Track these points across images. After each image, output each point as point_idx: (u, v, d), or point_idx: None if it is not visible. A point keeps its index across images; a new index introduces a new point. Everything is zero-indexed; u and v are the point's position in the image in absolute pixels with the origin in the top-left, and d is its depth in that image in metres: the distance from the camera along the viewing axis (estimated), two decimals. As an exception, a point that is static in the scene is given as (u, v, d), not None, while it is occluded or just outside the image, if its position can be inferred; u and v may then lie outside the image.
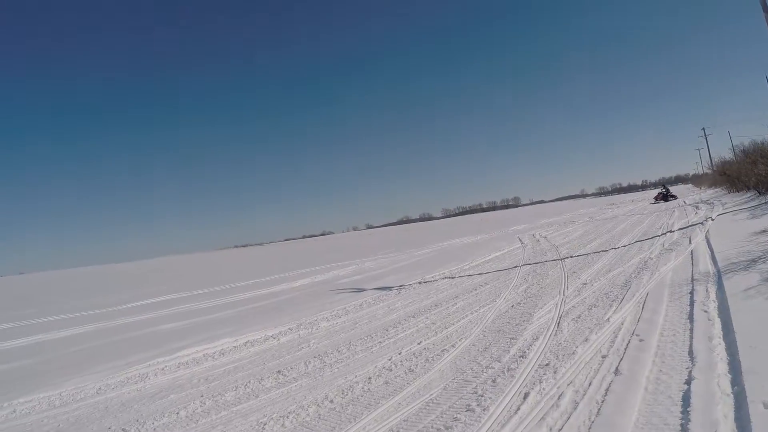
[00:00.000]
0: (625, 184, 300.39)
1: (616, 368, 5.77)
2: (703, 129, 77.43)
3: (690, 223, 22.30)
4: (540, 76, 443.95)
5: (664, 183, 65.75)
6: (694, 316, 7.40)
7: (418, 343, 8.32)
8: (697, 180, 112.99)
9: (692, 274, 10.52)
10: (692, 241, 15.45)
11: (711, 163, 72.70)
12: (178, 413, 6.51)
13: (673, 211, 34.60)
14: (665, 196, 58.24)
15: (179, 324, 14.00)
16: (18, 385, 9.05)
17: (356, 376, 7.01)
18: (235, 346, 10.29)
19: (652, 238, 19.12)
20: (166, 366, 9.34)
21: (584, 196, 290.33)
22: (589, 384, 5.43)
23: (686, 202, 47.39)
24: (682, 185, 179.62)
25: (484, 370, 6.44)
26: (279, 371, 7.82)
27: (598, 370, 5.85)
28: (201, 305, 18.00)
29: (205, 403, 6.77)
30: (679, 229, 20.44)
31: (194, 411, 6.55)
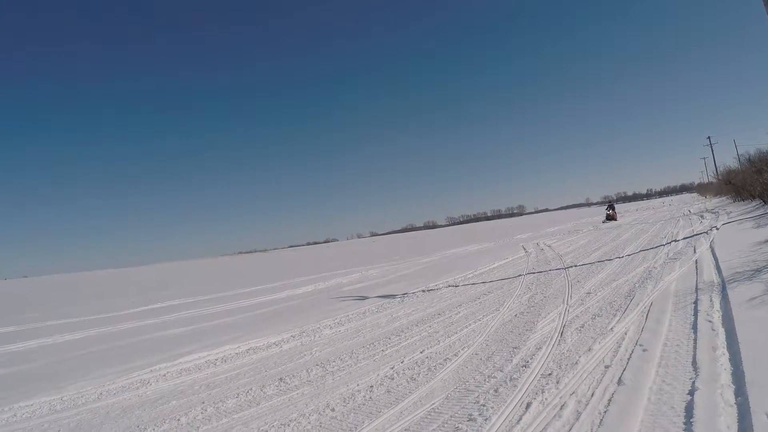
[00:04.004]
0: (630, 193, 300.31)
1: (619, 378, 5.74)
2: (709, 138, 76.95)
3: (695, 233, 22.23)
4: (545, 84, 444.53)
5: (610, 200, 62.35)
6: (698, 326, 7.37)
7: (421, 352, 8.29)
8: (702, 189, 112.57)
9: (696, 284, 10.48)
10: (697, 251, 15.39)
11: (716, 172, 72.32)
12: (179, 420, 6.50)
13: (678, 220, 34.52)
14: (609, 215, 52.19)
15: (182, 330, 14.02)
16: (20, 388, 9.07)
17: (358, 385, 6.99)
18: (237, 353, 10.29)
19: (656, 247, 19.07)
20: (168, 372, 9.34)
21: (589, 204, 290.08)
22: (592, 394, 5.40)
23: (691, 211, 47.30)
24: (688, 194, 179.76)
25: (487, 380, 6.41)
26: (281, 379, 7.80)
27: (601, 380, 5.83)
28: (204, 311, 18.04)
29: (206, 410, 6.75)
30: (684, 239, 20.39)
31: (195, 417, 6.54)
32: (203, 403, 7.10)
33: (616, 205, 57.72)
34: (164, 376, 9.13)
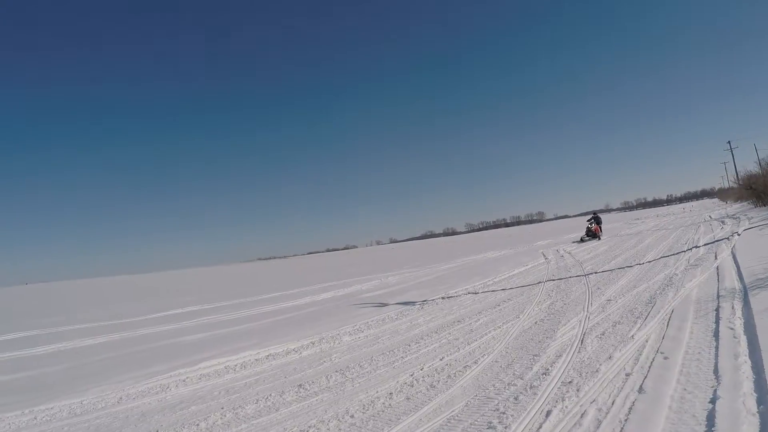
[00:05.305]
0: (650, 199, 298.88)
1: (640, 386, 5.71)
2: (729, 142, 76.18)
3: (716, 239, 22.09)
4: (564, 89, 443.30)
5: (594, 212, 44.47)
6: (719, 334, 7.32)
7: (441, 359, 8.28)
8: (722, 194, 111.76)
9: (718, 291, 10.41)
10: (718, 257, 15.29)
11: (737, 176, 71.60)
12: (198, 425, 6.52)
13: (699, 226, 34.30)
14: (590, 230, 40.08)
15: (201, 336, 14.06)
16: (40, 392, 9.15)
17: (378, 392, 6.99)
18: (256, 359, 10.31)
19: (677, 253, 18.95)
20: (187, 377, 9.37)
21: (609, 210, 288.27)
22: (613, 402, 5.38)
23: (711, 216, 46.97)
24: (708, 200, 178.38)
25: (507, 387, 6.39)
26: (300, 385, 7.81)
27: (622, 388, 5.80)
28: (223, 317, 18.08)
29: (225, 416, 6.78)
30: (705, 245, 20.26)
31: (214, 423, 6.56)
32: (222, 408, 7.13)
33: (602, 217, 43.61)
34: (184, 381, 9.17)
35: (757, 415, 4.58)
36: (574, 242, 37.80)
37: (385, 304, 16.04)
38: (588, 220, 41.97)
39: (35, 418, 7.74)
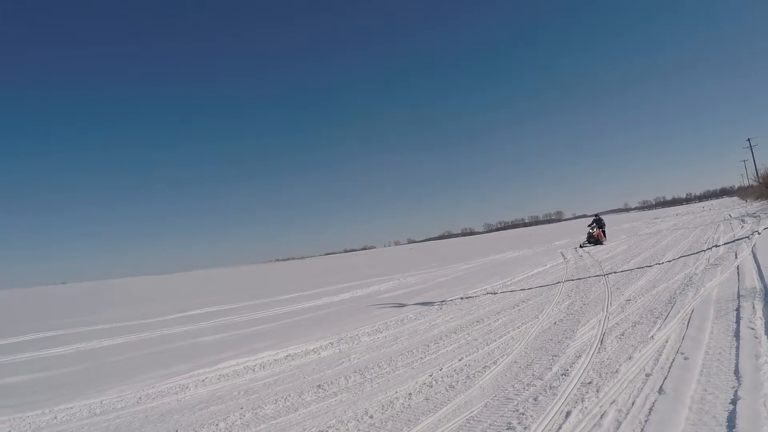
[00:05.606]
0: (669, 198, 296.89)
1: (660, 387, 5.67)
2: (749, 140, 75.38)
3: (736, 238, 21.89)
4: (581, 89, 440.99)
5: (596, 214, 38.63)
6: (740, 334, 7.25)
7: (459, 360, 8.28)
8: (742, 192, 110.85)
9: (738, 290, 10.31)
10: (738, 256, 15.15)
11: (757, 174, 70.86)
12: (217, 425, 6.55)
13: (719, 225, 34.01)
14: (591, 236, 35.86)
15: (220, 336, 14.13)
16: (60, 391, 9.23)
17: (396, 392, 6.99)
18: (275, 360, 10.34)
19: (696, 253, 18.80)
20: (206, 377, 9.42)
21: (627, 210, 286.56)
22: (633, 403, 5.35)
23: (731, 215, 46.57)
24: (728, 198, 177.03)
25: (526, 388, 6.38)
26: (319, 385, 7.83)
27: (642, 388, 5.76)
28: (242, 318, 18.15)
29: (244, 416, 6.81)
30: (725, 244, 20.08)
31: (233, 423, 6.59)
32: (241, 408, 7.16)
33: (604, 219, 38.64)
34: (203, 381, 9.22)
35: (779, 416, 4.55)
36: (582, 247, 34.39)
37: (403, 305, 16.04)
38: (589, 225, 37.64)
39: (55, 418, 7.81)
